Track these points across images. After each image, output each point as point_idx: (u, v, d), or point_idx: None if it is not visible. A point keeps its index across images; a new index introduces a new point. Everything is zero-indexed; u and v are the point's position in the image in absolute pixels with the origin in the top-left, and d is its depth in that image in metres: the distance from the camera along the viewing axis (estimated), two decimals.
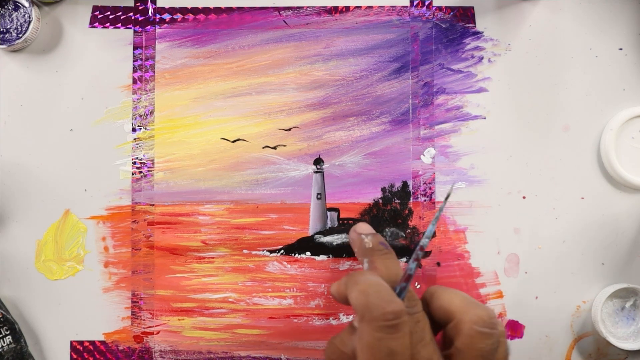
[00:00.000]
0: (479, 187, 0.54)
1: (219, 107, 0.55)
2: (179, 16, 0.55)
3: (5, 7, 0.53)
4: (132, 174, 0.54)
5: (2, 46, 0.53)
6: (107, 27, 0.55)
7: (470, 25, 0.55)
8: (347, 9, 0.55)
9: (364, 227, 0.48)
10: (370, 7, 0.55)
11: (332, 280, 0.54)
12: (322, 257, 0.54)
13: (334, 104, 0.55)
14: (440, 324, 0.40)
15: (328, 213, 0.54)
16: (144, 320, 0.54)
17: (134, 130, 0.55)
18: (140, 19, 0.55)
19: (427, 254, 0.54)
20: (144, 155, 0.54)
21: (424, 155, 0.54)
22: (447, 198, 0.43)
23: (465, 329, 0.38)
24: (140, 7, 0.55)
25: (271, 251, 0.54)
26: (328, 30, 0.55)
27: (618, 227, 0.54)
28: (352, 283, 0.39)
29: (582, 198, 0.54)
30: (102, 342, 0.54)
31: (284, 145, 0.55)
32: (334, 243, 0.54)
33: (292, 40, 0.55)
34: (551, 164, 0.54)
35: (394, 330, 0.36)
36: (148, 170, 0.54)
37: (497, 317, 0.39)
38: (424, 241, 0.41)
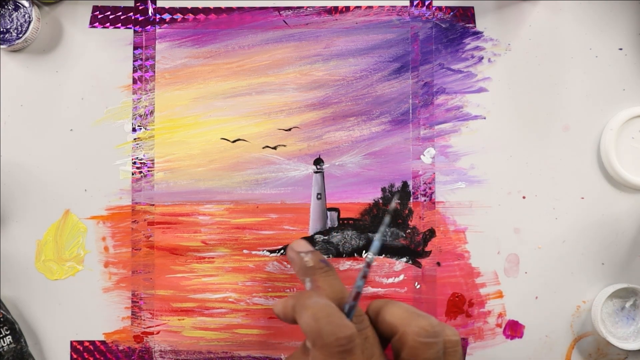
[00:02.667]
0: (479, 187, 0.54)
1: (219, 107, 0.55)
2: (179, 16, 0.55)
3: (5, 7, 0.53)
4: (132, 174, 0.54)
5: (2, 46, 0.53)
6: (107, 27, 0.55)
7: (470, 25, 0.55)
8: (347, 9, 0.55)
9: (302, 245, 0.47)
10: (370, 7, 0.55)
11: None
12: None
13: (334, 104, 0.55)
14: (387, 338, 0.40)
15: (328, 213, 0.54)
16: (144, 320, 0.54)
17: (134, 130, 0.55)
18: (140, 19, 0.55)
19: (426, 253, 0.54)
20: (144, 155, 0.54)
21: (424, 155, 0.54)
22: (390, 213, 0.43)
23: (408, 341, 0.38)
24: (140, 7, 0.55)
25: (271, 251, 0.54)
26: (328, 30, 0.55)
27: (618, 227, 0.54)
28: (300, 306, 0.39)
29: (582, 198, 0.54)
30: (102, 342, 0.54)
31: (284, 145, 0.55)
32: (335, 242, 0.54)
33: (292, 40, 0.55)
34: (551, 164, 0.54)
35: (347, 354, 0.36)
36: (148, 170, 0.54)
37: (440, 326, 0.39)
38: (369, 257, 0.41)
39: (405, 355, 0.38)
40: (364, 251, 0.54)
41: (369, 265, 0.42)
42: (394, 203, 0.44)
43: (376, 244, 0.42)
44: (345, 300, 0.41)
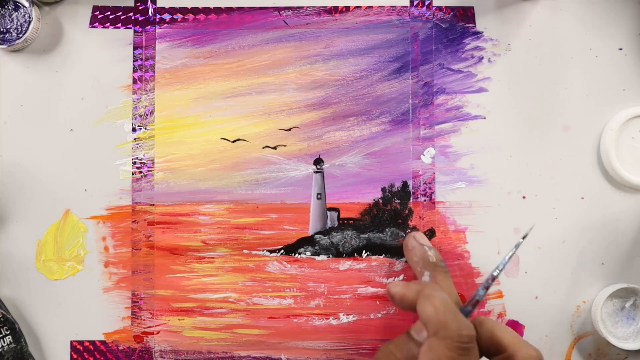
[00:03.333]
0: (479, 187, 0.54)
1: (219, 107, 0.55)
2: (179, 16, 0.55)
3: (6, 7, 0.53)
4: (132, 174, 0.54)
5: (2, 46, 0.53)
6: (107, 27, 0.55)
7: (470, 25, 0.55)
8: (347, 9, 0.55)
9: (424, 238, 0.49)
10: (370, 7, 0.55)
11: (332, 280, 0.54)
12: (322, 257, 0.54)
13: (334, 104, 0.55)
14: (488, 354, 0.42)
15: (328, 213, 0.54)
16: (144, 320, 0.54)
17: (134, 130, 0.55)
18: (140, 19, 0.55)
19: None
20: (144, 155, 0.54)
21: (424, 155, 0.54)
22: (524, 237, 0.44)
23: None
24: (140, 7, 0.55)
25: (271, 251, 0.54)
26: (328, 30, 0.55)
27: (618, 227, 0.54)
28: (426, 295, 0.41)
29: (582, 198, 0.54)
30: (102, 342, 0.54)
31: (284, 145, 0.55)
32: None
33: (292, 40, 0.55)
34: (551, 164, 0.54)
35: (466, 353, 0.39)
36: (148, 170, 0.54)
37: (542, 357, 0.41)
38: (496, 272, 0.44)
39: None
40: (364, 251, 0.54)
41: (493, 278, 0.44)
42: (529, 231, 0.46)
43: (503, 260, 0.44)
44: (461, 304, 0.43)
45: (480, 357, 0.42)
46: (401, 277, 0.54)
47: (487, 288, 0.44)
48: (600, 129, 0.54)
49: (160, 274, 0.54)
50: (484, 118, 0.54)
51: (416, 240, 0.48)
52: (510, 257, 0.44)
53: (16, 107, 0.54)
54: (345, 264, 0.54)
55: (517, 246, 0.44)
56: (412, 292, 0.43)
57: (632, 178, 0.53)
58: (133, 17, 0.55)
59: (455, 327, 0.39)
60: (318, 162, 0.54)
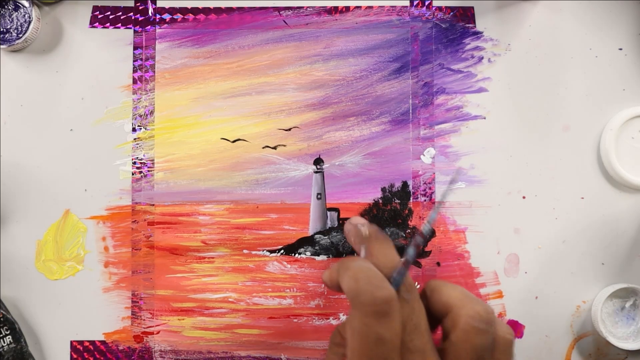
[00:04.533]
0: (479, 187, 0.54)
1: (219, 107, 0.55)
2: (179, 16, 0.55)
3: (6, 7, 0.53)
4: (132, 174, 0.54)
5: (2, 46, 0.53)
6: (107, 27, 0.55)
7: (470, 25, 0.55)
8: (347, 9, 0.55)
9: (359, 219, 0.47)
10: (370, 7, 0.55)
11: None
12: (322, 257, 0.54)
13: (334, 104, 0.55)
14: (438, 318, 0.40)
15: (328, 213, 0.54)
16: (144, 320, 0.54)
17: (134, 130, 0.55)
18: (140, 19, 0.55)
19: (426, 253, 0.54)
20: (144, 155, 0.54)
21: (424, 155, 0.54)
22: (451, 183, 0.42)
23: (460, 323, 0.38)
24: (140, 7, 0.55)
25: (271, 251, 0.54)
26: (328, 31, 0.55)
27: (618, 227, 0.54)
28: (343, 269, 0.39)
29: (582, 198, 0.54)
30: (102, 342, 0.54)
31: (284, 145, 0.55)
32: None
33: (292, 40, 0.55)
34: (551, 164, 0.54)
35: (383, 316, 0.36)
36: (148, 170, 0.54)
37: (495, 316, 0.39)
38: (424, 227, 0.41)
39: (454, 338, 0.38)
40: None
41: (422, 234, 0.41)
42: (456, 175, 0.44)
43: (432, 214, 0.42)
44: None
45: (435, 323, 0.40)
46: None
47: (417, 246, 0.41)
48: (600, 129, 0.54)
49: (160, 274, 0.54)
50: (484, 118, 0.54)
51: (350, 223, 0.47)
52: (440, 205, 0.41)
53: (16, 107, 0.54)
54: None
55: (446, 194, 0.42)
56: (335, 271, 0.41)
57: (632, 178, 0.53)
58: (133, 17, 0.55)
59: (367, 291, 0.36)
60: (318, 162, 0.54)
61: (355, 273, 0.38)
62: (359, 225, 0.45)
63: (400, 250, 0.54)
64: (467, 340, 0.37)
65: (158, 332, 0.54)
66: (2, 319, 0.52)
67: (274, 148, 0.55)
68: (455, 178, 0.43)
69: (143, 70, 0.55)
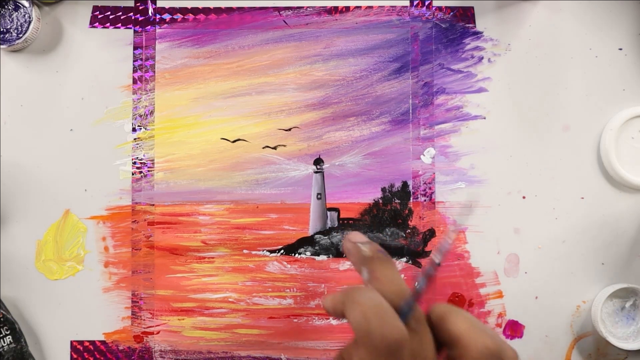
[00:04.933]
0: (479, 187, 0.54)
1: (219, 107, 0.55)
2: (179, 16, 0.55)
3: (6, 7, 0.53)
4: (132, 174, 0.54)
5: (2, 46, 0.53)
6: (107, 27, 0.55)
7: (470, 25, 0.55)
8: (347, 9, 0.55)
9: (359, 236, 0.46)
10: (370, 7, 0.55)
11: (332, 280, 0.54)
12: (322, 257, 0.54)
13: (334, 104, 0.55)
14: (444, 345, 0.39)
15: (328, 213, 0.54)
16: (144, 320, 0.54)
17: (134, 130, 0.55)
18: (140, 19, 0.55)
19: (426, 253, 0.54)
20: (144, 155, 0.54)
21: (424, 155, 0.54)
22: (465, 209, 0.41)
23: (470, 354, 0.37)
24: (140, 7, 0.55)
25: (271, 251, 0.54)
26: (328, 30, 0.55)
27: (618, 227, 0.54)
28: (350, 302, 0.38)
29: (582, 198, 0.54)
30: (102, 342, 0.54)
31: (284, 145, 0.55)
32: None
33: (292, 40, 0.55)
34: (551, 164, 0.54)
35: (393, 356, 0.35)
36: (148, 170, 0.54)
37: (504, 345, 0.38)
38: (436, 256, 0.40)
39: None
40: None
41: (435, 265, 0.40)
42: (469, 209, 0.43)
43: (444, 243, 0.41)
44: (404, 298, 0.39)
45: (440, 349, 0.39)
46: (401, 277, 0.54)
47: (429, 277, 0.40)
48: (600, 129, 0.54)
49: (160, 274, 0.54)
50: (484, 118, 0.54)
51: (349, 241, 0.45)
52: (453, 239, 0.41)
53: (16, 107, 0.54)
54: (345, 264, 0.54)
55: (455, 230, 0.41)
56: (340, 302, 0.39)
57: (632, 178, 0.53)
58: (133, 17, 0.55)
59: (378, 335, 0.35)
60: (318, 162, 0.54)
61: (365, 310, 0.36)
62: (359, 244, 0.43)
63: (400, 251, 0.54)
64: None
65: (158, 332, 0.54)
66: (2, 319, 0.52)
67: (274, 148, 0.55)
68: (470, 205, 0.42)
69: (143, 70, 0.55)
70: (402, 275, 0.45)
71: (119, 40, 0.55)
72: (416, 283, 0.40)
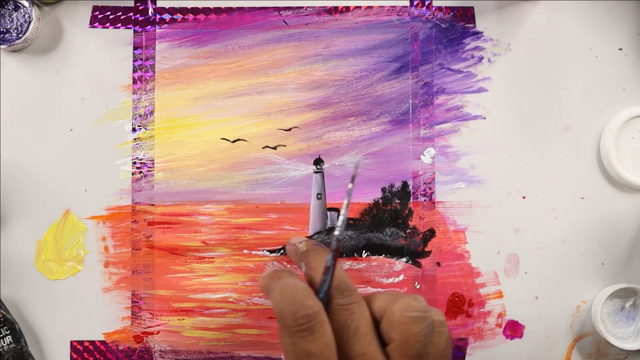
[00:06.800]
0: (479, 187, 0.54)
1: (219, 107, 0.55)
2: (179, 16, 0.55)
3: (6, 7, 0.53)
4: (132, 174, 0.54)
5: (2, 46, 0.53)
6: (107, 27, 0.55)
7: (470, 25, 0.55)
8: (347, 9, 0.55)
9: (297, 238, 0.48)
10: (370, 7, 0.55)
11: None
12: None
13: (334, 104, 0.55)
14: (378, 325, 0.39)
15: (328, 213, 0.54)
16: (144, 320, 0.54)
17: (134, 130, 0.55)
18: (140, 19, 0.55)
19: (426, 253, 0.54)
20: (144, 155, 0.55)
21: (424, 155, 0.54)
22: (353, 179, 0.41)
23: (396, 319, 0.37)
24: (140, 7, 0.55)
25: (271, 251, 0.54)
26: (328, 31, 0.55)
27: (618, 227, 0.54)
28: (270, 290, 0.40)
29: (582, 198, 0.54)
30: (102, 342, 0.54)
31: (284, 145, 0.55)
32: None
33: (292, 40, 0.55)
34: (551, 164, 0.54)
35: (307, 332, 0.36)
36: (148, 170, 0.54)
37: (426, 304, 0.39)
38: (337, 231, 0.41)
39: (395, 335, 0.37)
40: (364, 251, 0.54)
41: (337, 239, 0.40)
42: (356, 169, 0.43)
43: (342, 218, 0.41)
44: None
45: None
46: (401, 277, 0.54)
47: (334, 250, 0.40)
48: (600, 129, 0.54)
49: (160, 274, 0.54)
50: (484, 118, 0.54)
51: (289, 244, 0.47)
52: (348, 204, 0.40)
53: (16, 107, 0.54)
54: (345, 264, 0.54)
55: (349, 193, 0.41)
56: (264, 288, 0.42)
57: (632, 178, 0.53)
58: (133, 17, 0.55)
59: (289, 312, 0.36)
60: (318, 162, 0.54)
61: (279, 294, 0.38)
62: (296, 243, 0.46)
63: (400, 251, 0.54)
64: (408, 332, 0.37)
65: (158, 332, 0.54)
66: (2, 319, 0.52)
67: (274, 148, 0.55)
68: (355, 173, 0.42)
69: (143, 70, 0.55)
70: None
71: (119, 40, 0.55)
72: (326, 260, 0.40)
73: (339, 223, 0.41)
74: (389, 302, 0.39)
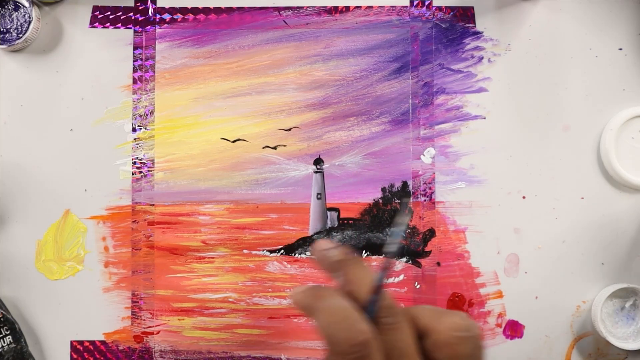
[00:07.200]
0: (479, 187, 0.54)
1: (219, 107, 0.55)
2: (179, 16, 0.55)
3: (6, 7, 0.53)
4: (132, 174, 0.54)
5: (2, 46, 0.53)
6: (107, 27, 0.55)
7: (470, 25, 0.55)
8: (347, 9, 0.55)
9: (325, 243, 0.46)
10: (370, 7, 0.55)
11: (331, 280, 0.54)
12: None
13: (334, 104, 0.55)
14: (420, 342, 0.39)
15: (328, 213, 0.54)
16: (144, 320, 0.54)
17: (134, 130, 0.55)
18: (140, 19, 0.55)
19: (426, 253, 0.54)
20: (144, 155, 0.54)
21: (424, 155, 0.54)
22: (406, 209, 0.41)
23: (443, 339, 0.37)
24: (140, 7, 0.55)
25: (271, 251, 0.54)
26: (328, 30, 0.55)
27: (618, 227, 0.54)
28: (314, 309, 0.38)
29: (582, 198, 0.54)
30: (102, 342, 0.54)
31: (284, 145, 0.55)
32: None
33: (292, 40, 0.55)
34: (551, 164, 0.54)
35: (364, 359, 0.35)
36: (148, 170, 0.54)
37: (470, 320, 0.38)
38: (391, 248, 0.40)
39: (442, 356, 0.37)
40: (364, 251, 0.54)
41: (390, 256, 0.40)
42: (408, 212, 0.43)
43: (396, 232, 0.40)
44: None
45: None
46: (401, 277, 0.54)
47: (384, 269, 0.39)
48: (600, 129, 0.54)
49: (160, 274, 0.54)
50: (484, 118, 0.54)
51: (317, 250, 0.45)
52: (405, 230, 0.40)
53: (16, 107, 0.54)
54: None
55: (406, 222, 0.40)
56: (306, 305, 0.40)
57: (632, 178, 0.53)
58: (133, 17, 0.55)
59: (344, 338, 0.35)
60: (318, 162, 0.54)
61: (327, 318, 0.37)
62: (327, 250, 0.44)
63: (400, 251, 0.54)
64: (456, 353, 0.37)
65: (158, 332, 0.54)
66: (2, 319, 0.52)
67: (274, 148, 0.55)
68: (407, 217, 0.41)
69: (143, 70, 0.55)
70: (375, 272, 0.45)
71: (119, 40, 0.55)
72: (375, 279, 0.40)
73: (393, 242, 0.40)
74: (433, 319, 0.38)
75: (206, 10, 0.55)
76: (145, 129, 0.55)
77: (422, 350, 0.38)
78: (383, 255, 0.40)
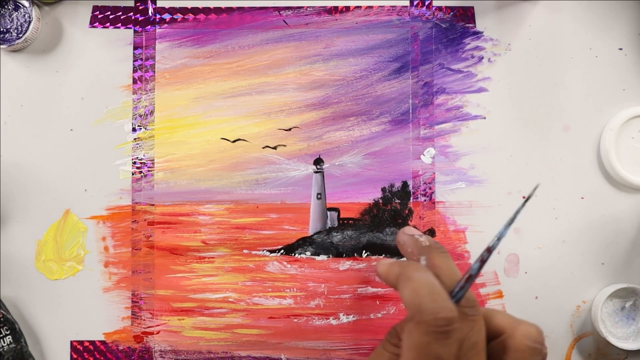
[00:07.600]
0: (479, 187, 0.54)
1: (219, 107, 0.55)
2: (179, 16, 0.55)
3: (6, 7, 0.53)
4: (132, 174, 0.54)
5: (2, 46, 0.53)
6: (107, 27, 0.55)
7: (470, 25, 0.55)
8: (347, 9, 0.55)
9: (412, 229, 0.46)
10: (370, 7, 0.55)
11: (332, 280, 0.54)
12: (322, 257, 0.54)
13: (334, 104, 0.55)
14: (487, 341, 0.40)
15: (328, 213, 0.54)
16: (144, 320, 0.54)
17: (134, 130, 0.55)
18: (140, 19, 0.55)
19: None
20: (144, 155, 0.55)
21: (424, 155, 0.54)
22: (527, 199, 0.41)
23: (514, 344, 0.38)
24: (140, 7, 0.55)
25: (271, 251, 0.54)
26: (328, 30, 0.55)
27: (618, 227, 0.54)
28: (404, 277, 0.38)
29: (582, 198, 0.54)
30: (102, 342, 0.54)
31: (284, 145, 0.55)
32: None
33: (292, 40, 0.55)
34: (551, 164, 0.54)
35: (444, 336, 0.36)
36: (148, 170, 0.54)
37: (544, 337, 0.39)
38: (493, 242, 0.41)
39: (508, 359, 0.38)
40: (364, 251, 0.54)
41: (489, 249, 0.40)
42: (534, 191, 0.43)
43: (502, 229, 0.41)
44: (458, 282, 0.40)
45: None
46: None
47: (482, 262, 0.40)
48: (600, 129, 0.54)
49: (160, 274, 0.54)
50: (484, 118, 0.54)
51: (405, 234, 0.46)
52: (510, 224, 0.40)
53: (16, 107, 0.54)
54: (345, 264, 0.54)
55: (518, 212, 0.41)
56: (394, 273, 0.40)
57: (632, 178, 0.53)
58: (133, 17, 0.55)
59: (430, 310, 0.36)
60: (318, 162, 0.54)
61: (418, 287, 0.37)
62: (416, 235, 0.44)
63: (398, 251, 0.54)
64: None
65: (158, 332, 0.54)
66: (2, 319, 0.52)
67: (274, 148, 0.55)
68: (532, 193, 0.42)
69: (143, 70, 0.55)
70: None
71: (119, 40, 0.55)
72: (470, 268, 0.40)
73: (498, 235, 0.40)
74: (510, 324, 0.39)
75: (206, 10, 0.55)
76: (145, 129, 0.55)
77: (489, 349, 0.39)
78: (487, 248, 0.40)
